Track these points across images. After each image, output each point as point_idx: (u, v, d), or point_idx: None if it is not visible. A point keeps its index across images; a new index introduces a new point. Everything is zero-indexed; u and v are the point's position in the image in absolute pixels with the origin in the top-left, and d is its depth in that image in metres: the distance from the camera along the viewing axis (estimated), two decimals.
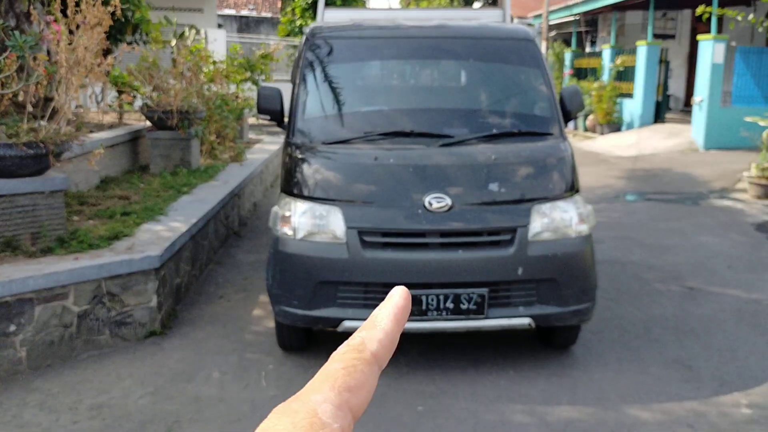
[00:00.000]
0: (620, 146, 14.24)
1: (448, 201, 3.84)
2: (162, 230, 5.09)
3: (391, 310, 0.42)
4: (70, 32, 4.33)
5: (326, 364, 0.40)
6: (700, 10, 10.09)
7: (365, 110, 4.62)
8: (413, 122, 4.38)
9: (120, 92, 9.26)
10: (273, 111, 4.56)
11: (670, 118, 16.45)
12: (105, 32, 4.36)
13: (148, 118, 7.70)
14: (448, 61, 4.77)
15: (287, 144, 4.29)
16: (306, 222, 3.91)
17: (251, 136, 12.33)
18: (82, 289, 4.15)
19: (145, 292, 4.45)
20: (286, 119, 4.54)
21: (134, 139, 7.99)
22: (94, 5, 4.27)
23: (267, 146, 11.07)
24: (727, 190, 9.83)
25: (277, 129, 16.05)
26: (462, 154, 4.06)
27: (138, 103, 8.98)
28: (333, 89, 4.50)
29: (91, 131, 7.39)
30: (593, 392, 3.89)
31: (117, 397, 3.72)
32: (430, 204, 3.83)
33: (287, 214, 3.98)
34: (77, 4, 4.26)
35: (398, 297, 0.43)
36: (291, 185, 4.07)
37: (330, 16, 5.53)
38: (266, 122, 14.70)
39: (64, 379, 3.91)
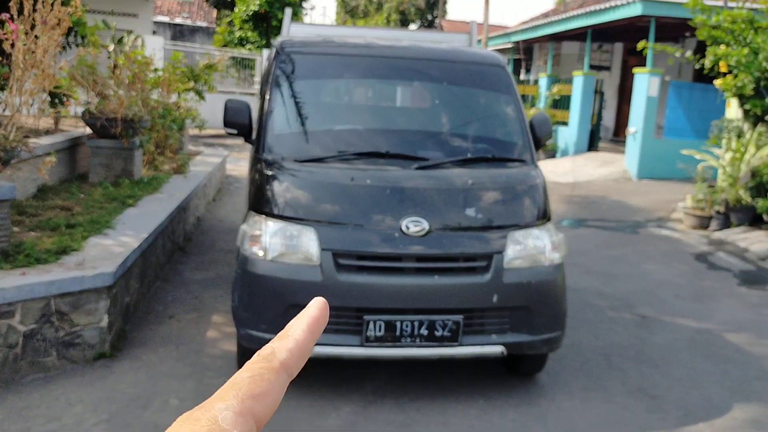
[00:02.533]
0: (557, 173, 14.57)
1: (426, 225, 3.77)
2: (112, 245, 4.81)
3: (305, 321, 0.43)
4: (25, 33, 4.05)
5: (236, 374, 0.41)
6: (641, 44, 10.47)
7: (339, 128, 4.51)
8: (387, 143, 4.30)
9: (53, 96, 8.81)
10: (240, 125, 4.39)
11: (603, 147, 16.98)
12: (63, 34, 4.10)
13: (89, 125, 7.33)
14: (421, 82, 4.72)
15: (256, 160, 4.13)
16: (277, 242, 3.75)
17: (191, 147, 11.98)
18: (30, 306, 3.85)
19: (96, 311, 4.18)
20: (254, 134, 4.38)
21: (73, 146, 7.59)
22: (53, 5, 4.01)
23: (208, 158, 10.76)
24: (664, 220, 10.16)
25: (215, 141, 15.73)
26: (439, 178, 4.00)
27: (72, 108, 8.55)
28: (305, 105, 4.37)
29: (26, 137, 6.97)
30: (563, 423, 3.86)
31: (69, 425, 3.45)
32: (408, 227, 3.75)
33: (257, 233, 3.81)
34: (35, 3, 4.00)
35: (314, 308, 0.44)
36: (261, 203, 3.91)
37: (296, 31, 5.40)
38: (205, 134, 14.33)
39: (8, 404, 3.60)
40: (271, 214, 3.85)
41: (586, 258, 7.62)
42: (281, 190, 3.92)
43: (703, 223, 9.51)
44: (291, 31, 5.37)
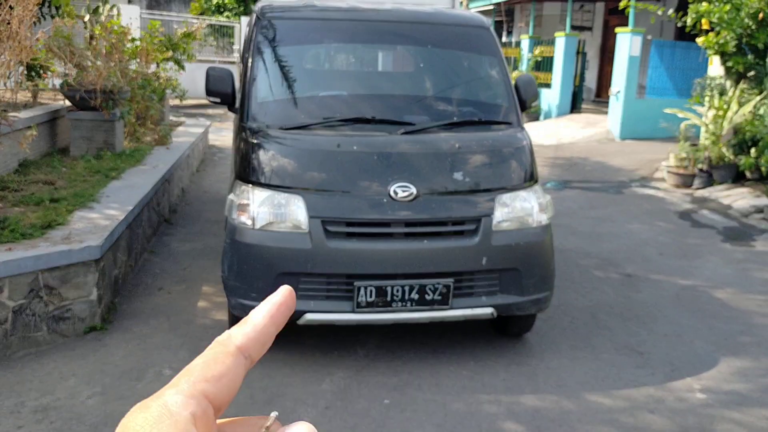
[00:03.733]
0: (540, 135, 14.57)
1: (413, 190, 3.77)
2: (97, 218, 4.77)
3: (267, 307, 0.43)
4: None
5: (192, 361, 0.41)
6: (623, 3, 10.42)
7: (323, 95, 4.47)
8: (373, 108, 4.27)
9: (29, 68, 8.64)
10: (223, 93, 4.34)
11: (585, 108, 16.98)
12: (38, 4, 4.01)
13: (68, 97, 7.21)
14: (405, 46, 4.68)
15: (241, 128, 4.09)
16: (265, 211, 3.74)
17: (172, 118, 11.83)
18: (18, 282, 3.83)
19: (85, 285, 4.16)
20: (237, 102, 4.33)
21: (52, 120, 7.47)
22: None
23: (191, 129, 10.64)
24: (647, 179, 10.23)
25: (197, 111, 15.55)
26: (425, 143, 3.99)
27: (49, 80, 8.40)
28: (287, 72, 4.32)
29: (5, 110, 6.85)
30: (553, 380, 3.93)
31: (63, 398, 3.46)
32: (396, 193, 3.74)
33: (245, 202, 3.79)
34: None
35: (279, 295, 0.44)
36: (248, 172, 3.88)
37: None
38: (186, 104, 14.14)
39: (0, 380, 3.60)
40: (258, 183, 3.82)
41: (572, 219, 7.67)
42: (267, 158, 3.90)
43: (686, 181, 9.59)
44: None
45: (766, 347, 4.45)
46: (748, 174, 9.22)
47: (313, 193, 3.77)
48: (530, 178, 4.12)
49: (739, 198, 8.57)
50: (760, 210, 8.02)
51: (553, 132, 14.61)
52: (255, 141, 3.94)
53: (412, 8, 4.74)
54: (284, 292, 0.45)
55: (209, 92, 4.35)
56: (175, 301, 4.85)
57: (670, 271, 5.94)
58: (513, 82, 4.57)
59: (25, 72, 8.68)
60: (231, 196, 3.92)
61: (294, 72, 4.33)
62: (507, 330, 4.44)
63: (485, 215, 3.87)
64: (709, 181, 9.46)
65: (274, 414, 0.42)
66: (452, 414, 3.50)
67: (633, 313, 4.94)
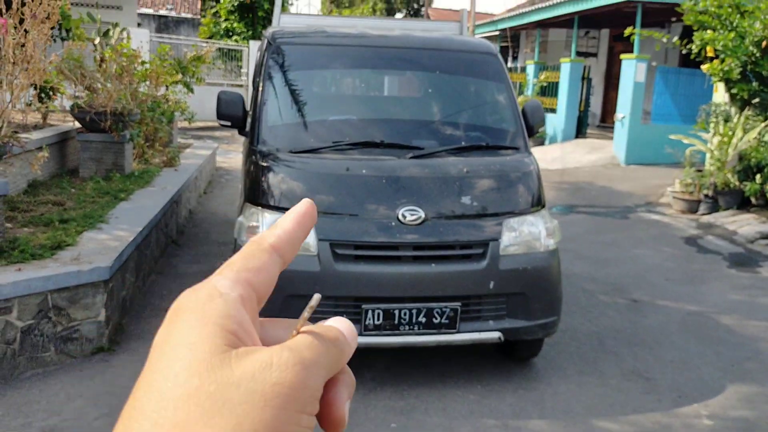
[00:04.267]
0: (546, 159, 14.62)
1: (422, 214, 3.79)
2: (106, 239, 4.80)
3: (293, 214, 0.45)
4: (15, 28, 4.03)
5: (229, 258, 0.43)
6: (628, 31, 10.52)
7: (332, 119, 4.52)
8: (382, 133, 4.31)
9: (40, 90, 8.74)
10: (234, 117, 4.39)
11: (590, 134, 17.05)
12: (53, 27, 4.08)
13: (78, 119, 7.29)
14: (414, 71, 4.74)
15: (251, 152, 4.13)
16: None
17: (180, 140, 11.93)
18: (27, 302, 3.85)
19: (94, 306, 4.18)
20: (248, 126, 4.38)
21: (62, 141, 7.55)
22: None
23: (198, 151, 10.73)
24: (653, 204, 10.24)
25: (204, 133, 15.66)
26: (434, 167, 4.02)
27: (59, 102, 8.49)
28: (298, 96, 4.38)
29: (15, 132, 6.93)
30: (560, 405, 3.91)
31: (70, 419, 3.46)
32: (404, 216, 3.77)
33: (254, 224, 3.82)
34: None
35: (302, 205, 0.46)
36: (257, 195, 3.92)
37: (286, 21, 5.39)
38: (193, 126, 14.26)
39: (8, 400, 3.61)
40: (267, 206, 3.86)
41: (578, 244, 7.68)
42: (277, 181, 3.93)
43: (692, 207, 9.60)
44: (281, 21, 5.35)
45: None
46: (753, 200, 9.23)
47: (322, 216, 3.79)
48: (537, 203, 4.14)
49: (745, 224, 8.57)
50: (765, 236, 8.02)
51: (559, 156, 14.66)
52: (265, 164, 3.98)
53: (420, 35, 4.81)
54: (306, 202, 0.46)
55: (220, 116, 4.40)
56: None
57: (677, 296, 5.93)
58: (520, 108, 4.62)
59: (37, 94, 8.80)
60: (240, 218, 3.95)
61: (304, 96, 4.38)
62: (514, 354, 4.44)
63: (493, 239, 3.89)
64: (715, 207, 9.47)
65: (317, 296, 0.42)
66: None
67: (639, 339, 4.93)
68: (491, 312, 3.91)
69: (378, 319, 3.72)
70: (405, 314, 3.75)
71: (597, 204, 10.28)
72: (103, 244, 4.65)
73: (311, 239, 3.72)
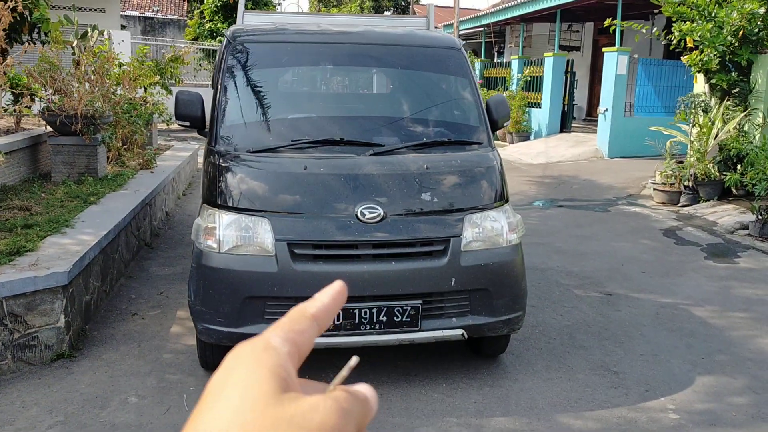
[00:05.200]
0: (530, 154, 14.60)
1: (381, 211, 3.74)
2: (69, 243, 4.73)
3: (330, 291, 0.51)
4: None
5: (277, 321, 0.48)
6: (607, 22, 10.48)
7: (292, 117, 4.46)
8: (342, 130, 4.26)
9: (16, 95, 8.65)
10: (193, 117, 4.33)
11: (575, 127, 17.03)
12: (4, 29, 4.00)
13: (49, 123, 7.22)
14: (376, 68, 4.68)
15: (209, 152, 4.07)
16: (231, 234, 3.71)
17: (161, 142, 11.86)
18: None
19: (52, 312, 4.11)
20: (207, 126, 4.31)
21: (34, 145, 7.47)
22: None
23: (178, 153, 10.65)
24: (634, 197, 10.22)
25: (187, 135, 15.56)
26: (393, 164, 3.97)
27: (37, 106, 8.41)
28: (257, 95, 4.32)
29: None
30: (525, 402, 3.87)
31: (23, 429, 3.40)
32: (362, 214, 3.72)
33: (211, 225, 3.76)
34: None
35: (337, 284, 0.52)
36: (215, 196, 3.86)
37: (250, 19, 5.33)
38: (176, 128, 14.17)
39: None
40: (224, 207, 3.80)
41: (556, 238, 7.64)
42: (234, 181, 3.87)
43: (673, 198, 9.57)
44: (245, 19, 5.29)
45: (743, 365, 4.40)
46: (734, 190, 9.21)
47: (280, 215, 3.74)
48: (500, 198, 4.09)
49: (725, 215, 8.55)
50: (745, 227, 8.00)
51: (543, 151, 14.63)
52: (222, 164, 3.92)
53: (383, 30, 4.75)
54: (340, 283, 0.52)
55: (178, 116, 4.34)
56: (147, 326, 4.80)
57: (651, 289, 5.90)
58: (485, 103, 4.57)
59: (11, 98, 8.71)
60: (198, 220, 3.89)
61: (263, 95, 4.32)
62: (481, 351, 4.39)
63: (454, 236, 3.84)
64: (696, 198, 9.45)
65: (356, 358, 0.50)
66: None
67: (611, 333, 4.89)
68: (454, 309, 3.86)
69: (338, 319, 3.67)
70: (365, 313, 3.70)
71: (578, 197, 10.25)
72: (65, 249, 4.59)
73: (268, 239, 3.67)
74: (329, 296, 0.51)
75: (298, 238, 3.70)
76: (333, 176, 3.85)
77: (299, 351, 0.46)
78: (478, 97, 4.50)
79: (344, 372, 0.48)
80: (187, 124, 4.36)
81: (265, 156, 3.99)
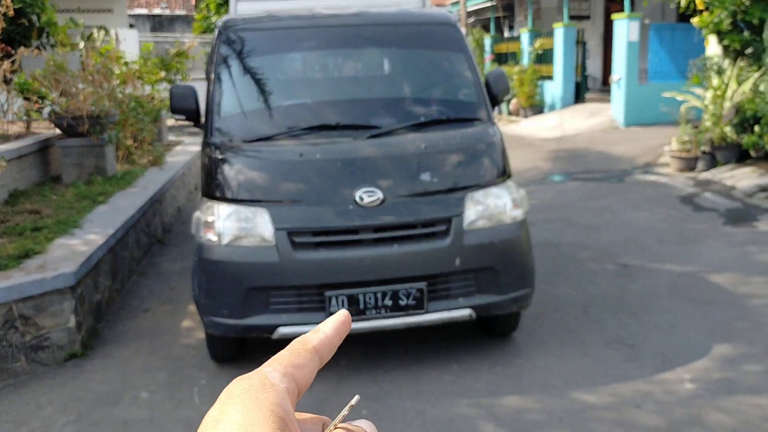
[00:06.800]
0: (544, 128, 14.42)
1: (380, 194, 3.69)
2: (77, 244, 4.75)
3: (332, 322, 0.50)
4: None
5: (278, 353, 0.47)
6: None
7: (287, 104, 4.41)
8: (338, 114, 4.21)
9: (27, 100, 8.70)
10: (188, 110, 4.30)
11: (590, 98, 16.77)
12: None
13: (56, 125, 7.24)
14: (369, 49, 4.61)
15: (205, 144, 4.05)
16: (231, 226, 3.69)
17: (171, 137, 11.88)
18: None
19: (62, 313, 4.13)
20: (202, 118, 4.28)
21: (44, 148, 7.51)
22: None
23: (188, 148, 10.66)
24: (651, 165, 10.04)
25: (198, 130, 15.59)
26: (391, 145, 3.91)
27: (47, 110, 8.45)
28: (251, 84, 4.27)
29: None
30: (538, 380, 3.82)
31: (37, 428, 3.43)
32: (362, 199, 3.67)
33: (210, 219, 3.75)
34: None
35: (340, 314, 0.51)
36: (213, 188, 3.84)
37: (244, 8, 5.28)
38: (186, 124, 14.24)
39: None
40: (223, 198, 3.78)
41: (571, 212, 7.54)
42: (231, 172, 3.85)
43: (690, 164, 9.40)
44: (238, 9, 5.24)
45: (762, 331, 4.30)
46: (752, 152, 9.01)
47: (279, 204, 3.71)
48: (502, 174, 4.02)
49: (743, 178, 8.37)
50: (764, 189, 7.83)
51: (557, 124, 14.44)
52: (218, 156, 3.89)
53: (375, 11, 4.67)
54: (343, 312, 0.51)
55: (173, 110, 4.31)
56: (159, 322, 4.82)
57: (668, 258, 5.79)
58: (483, 78, 4.48)
59: (22, 103, 8.76)
60: (197, 214, 3.88)
61: (256, 84, 4.28)
62: (493, 330, 4.34)
63: (456, 215, 3.78)
64: (713, 163, 9.26)
65: (357, 397, 0.48)
66: (430, 421, 3.41)
67: (626, 305, 4.81)
68: (460, 289, 3.81)
69: (343, 305, 3.64)
70: (370, 298, 3.66)
71: (594, 169, 10.10)
72: (73, 250, 4.60)
73: (268, 229, 3.64)
74: (332, 327, 0.50)
75: (298, 226, 3.67)
76: (330, 161, 3.81)
77: (298, 386, 0.45)
78: (476, 73, 4.41)
79: (345, 411, 0.47)
80: (183, 117, 4.33)
81: (261, 145, 3.95)
